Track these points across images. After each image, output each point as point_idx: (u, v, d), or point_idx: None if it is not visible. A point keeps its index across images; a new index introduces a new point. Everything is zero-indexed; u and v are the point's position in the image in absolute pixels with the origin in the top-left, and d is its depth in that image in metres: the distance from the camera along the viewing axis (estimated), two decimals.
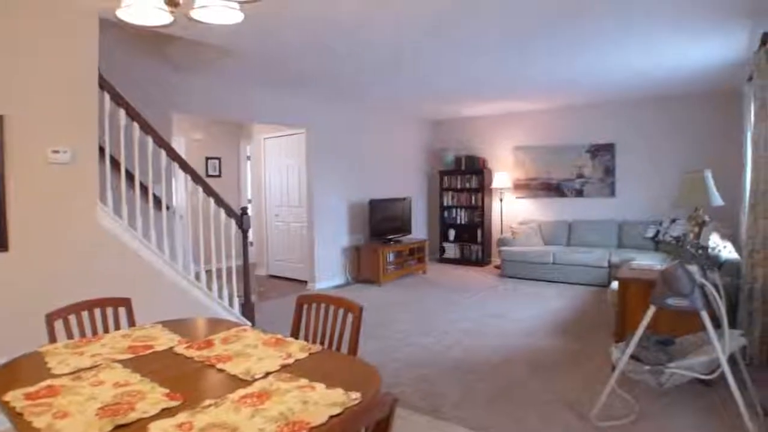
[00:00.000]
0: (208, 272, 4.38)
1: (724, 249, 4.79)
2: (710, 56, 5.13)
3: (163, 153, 3.96)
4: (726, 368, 2.73)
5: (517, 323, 5.31)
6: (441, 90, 6.68)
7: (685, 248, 3.27)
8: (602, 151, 7.86)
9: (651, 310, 2.85)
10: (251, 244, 9.17)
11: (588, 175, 8.02)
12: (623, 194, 7.76)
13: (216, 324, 2.59)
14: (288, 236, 7.95)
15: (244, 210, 4.58)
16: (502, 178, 8.65)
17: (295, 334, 2.50)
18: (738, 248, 5.27)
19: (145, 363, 2.01)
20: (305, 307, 2.54)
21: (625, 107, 7.66)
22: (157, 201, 4.10)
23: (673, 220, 7.02)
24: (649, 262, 5.25)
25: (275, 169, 8.13)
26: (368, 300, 6.46)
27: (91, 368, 1.93)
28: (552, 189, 8.40)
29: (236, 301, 4.54)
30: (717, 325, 2.86)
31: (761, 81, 3.93)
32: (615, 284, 4.80)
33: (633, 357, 2.99)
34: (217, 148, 9.06)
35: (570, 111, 8.15)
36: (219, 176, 9.07)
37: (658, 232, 7.09)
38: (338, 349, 2.34)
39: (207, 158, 8.89)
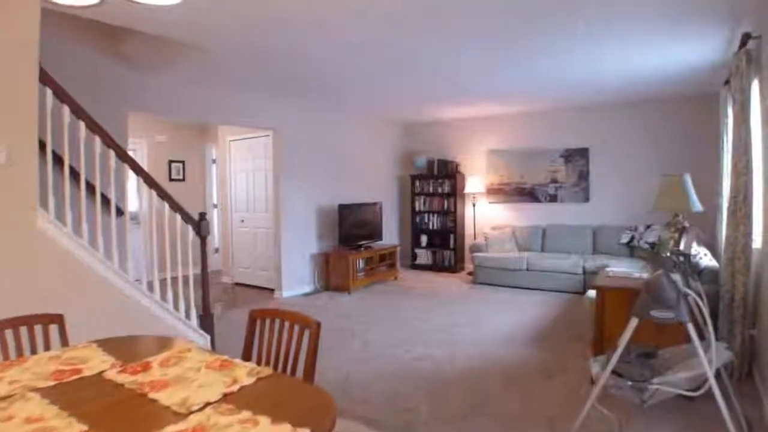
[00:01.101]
0: (163, 281, 4.09)
1: (705, 256, 4.68)
2: (687, 59, 5.04)
3: (112, 154, 3.66)
4: (714, 384, 2.56)
5: (490, 333, 5.11)
6: (413, 92, 6.48)
7: (667, 256, 3.10)
8: (576, 156, 7.76)
9: (633, 323, 2.66)
10: (216, 250, 8.84)
11: (562, 180, 7.91)
12: (597, 199, 7.67)
13: (159, 342, 2.32)
14: (254, 243, 7.64)
15: (202, 215, 4.29)
16: (475, 182, 8.49)
17: (247, 355, 2.24)
18: (715, 255, 5.18)
19: (68, 391, 1.74)
20: (258, 322, 2.28)
21: (600, 111, 7.58)
22: (108, 205, 3.80)
23: (648, 226, 6.93)
24: (624, 268, 5.12)
25: (241, 172, 7.82)
26: (337, 309, 6.21)
27: (3, 399, 1.66)
28: (526, 194, 8.28)
29: (194, 313, 4.25)
30: (701, 336, 2.70)
31: (741, 82, 3.82)
32: (591, 292, 4.64)
33: (614, 372, 2.81)
34: (181, 150, 8.72)
35: (544, 115, 8.05)
36: (183, 180, 8.73)
37: (633, 238, 7.00)
38: (293, 372, 2.10)
39: (170, 161, 8.55)
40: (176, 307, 4.09)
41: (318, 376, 4.02)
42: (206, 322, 4.36)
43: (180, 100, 5.58)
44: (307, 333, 2.09)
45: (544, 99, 7.08)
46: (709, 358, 2.59)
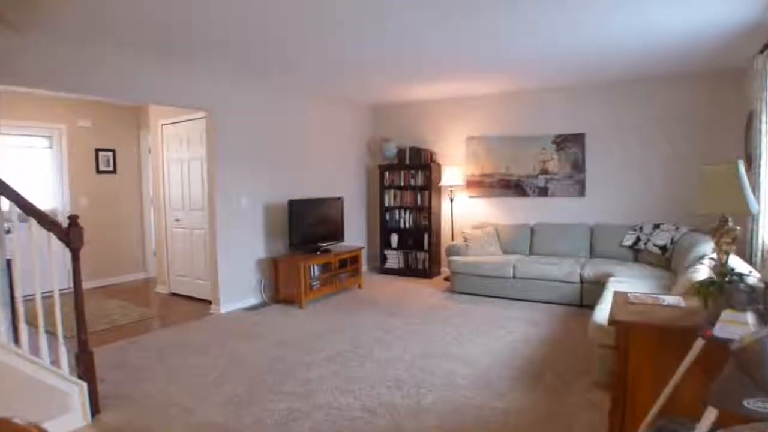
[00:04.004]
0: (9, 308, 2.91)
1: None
2: (705, 23, 3.95)
3: None
4: None
5: (469, 367, 4.00)
6: (378, 66, 5.32)
7: (738, 287, 2.02)
8: (570, 143, 6.67)
9: (712, 414, 1.55)
10: (154, 254, 7.63)
11: (553, 170, 6.82)
12: (595, 193, 6.59)
13: None
14: (191, 246, 6.43)
15: (72, 219, 3.11)
16: (452, 174, 7.34)
17: None
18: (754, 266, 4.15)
19: None
20: None
21: (598, 91, 6.50)
22: None
23: (657, 226, 5.86)
24: (641, 285, 4.06)
25: (175, 162, 6.58)
26: (280, 330, 5.06)
27: None
28: (511, 187, 7.18)
29: (63, 354, 3.07)
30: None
31: None
32: (600, 318, 3.57)
33: None
34: (110, 138, 7.47)
35: (533, 95, 6.94)
36: (114, 172, 7.51)
37: (638, 239, 5.94)
38: None
39: (97, 150, 7.31)
40: (33, 349, 2.91)
41: None
42: (84, 364, 3.19)
43: (79, 70, 4.36)
44: None
45: (531, 76, 5.96)
46: None
